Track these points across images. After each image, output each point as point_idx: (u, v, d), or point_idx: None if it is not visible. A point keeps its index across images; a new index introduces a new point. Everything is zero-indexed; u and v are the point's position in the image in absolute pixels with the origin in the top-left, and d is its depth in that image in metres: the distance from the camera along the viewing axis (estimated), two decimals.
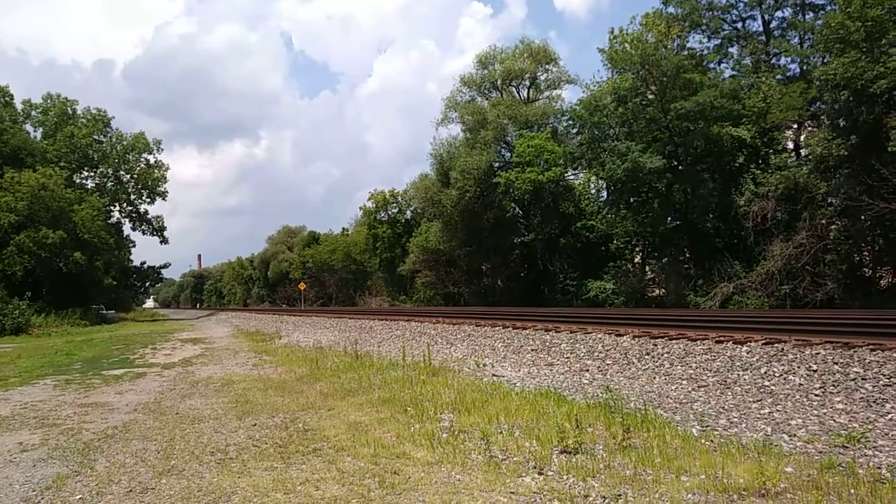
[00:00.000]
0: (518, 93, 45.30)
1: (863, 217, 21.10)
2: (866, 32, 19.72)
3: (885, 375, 7.55)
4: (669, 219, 29.99)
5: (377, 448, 6.06)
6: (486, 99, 45.12)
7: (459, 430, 6.59)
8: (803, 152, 26.89)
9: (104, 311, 50.37)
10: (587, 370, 10.90)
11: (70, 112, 52.18)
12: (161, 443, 6.81)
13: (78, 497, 5.12)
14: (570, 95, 53.07)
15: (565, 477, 5.02)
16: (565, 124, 40.37)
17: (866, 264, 23.79)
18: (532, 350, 13.31)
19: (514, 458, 5.57)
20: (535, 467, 5.29)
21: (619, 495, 4.54)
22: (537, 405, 7.61)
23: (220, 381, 11.71)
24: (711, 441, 5.97)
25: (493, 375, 10.73)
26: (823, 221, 22.57)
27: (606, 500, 4.47)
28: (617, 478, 4.93)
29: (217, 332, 30.26)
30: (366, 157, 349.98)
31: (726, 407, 7.57)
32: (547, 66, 44.38)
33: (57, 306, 38.79)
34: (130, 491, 5.20)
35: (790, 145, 28.18)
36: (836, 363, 8.25)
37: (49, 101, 52.09)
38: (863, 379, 7.64)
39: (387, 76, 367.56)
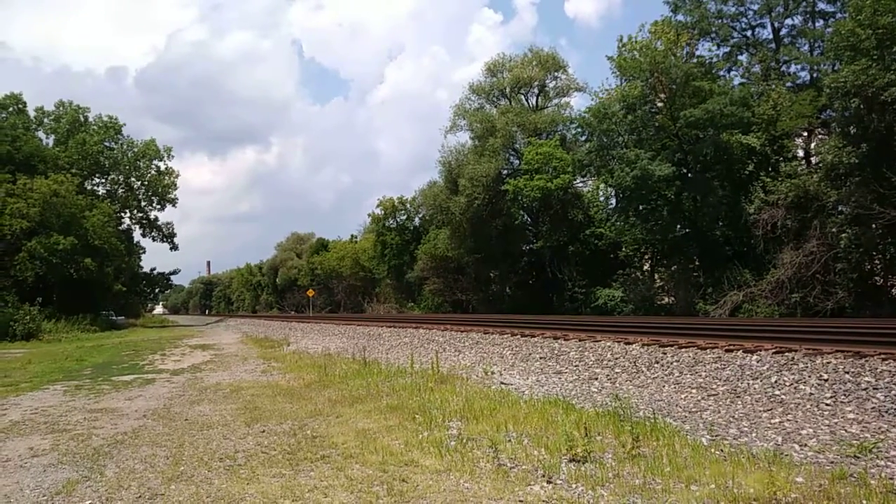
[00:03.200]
0: (527, 100, 45.43)
1: (874, 225, 20.95)
2: (877, 40, 19.63)
3: None
4: (679, 227, 29.89)
5: (385, 455, 6.06)
6: (495, 106, 45.27)
7: (468, 438, 6.58)
8: (813, 160, 26.80)
9: (114, 317, 50.62)
10: (596, 378, 10.86)
11: (82, 119, 52.58)
12: (170, 449, 6.84)
13: (88, 502, 5.15)
14: (578, 103, 53.30)
15: (574, 485, 5.00)
16: (574, 132, 40.35)
17: (878, 273, 23.59)
18: (540, 358, 13.28)
19: (523, 467, 5.55)
20: (543, 476, 5.28)
21: None
22: (546, 413, 7.58)
23: (229, 387, 11.75)
24: (721, 450, 5.93)
25: (502, 383, 10.71)
26: (834, 230, 22.39)
27: None
28: (626, 487, 4.90)
29: (226, 339, 30.36)
30: (376, 163, 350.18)
31: (736, 416, 7.53)
32: (556, 74, 44.55)
33: (67, 312, 39.00)
34: (140, 497, 5.22)
35: (800, 153, 28.10)
36: (848, 372, 8.19)
37: (61, 108, 52.52)
38: (874, 388, 7.57)
39: (398, 83, 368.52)
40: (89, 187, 51.59)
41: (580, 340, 13.82)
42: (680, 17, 31.35)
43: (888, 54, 19.64)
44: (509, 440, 6.44)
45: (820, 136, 27.20)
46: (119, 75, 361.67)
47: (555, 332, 15.56)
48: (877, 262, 23.31)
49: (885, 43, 19.65)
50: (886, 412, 6.96)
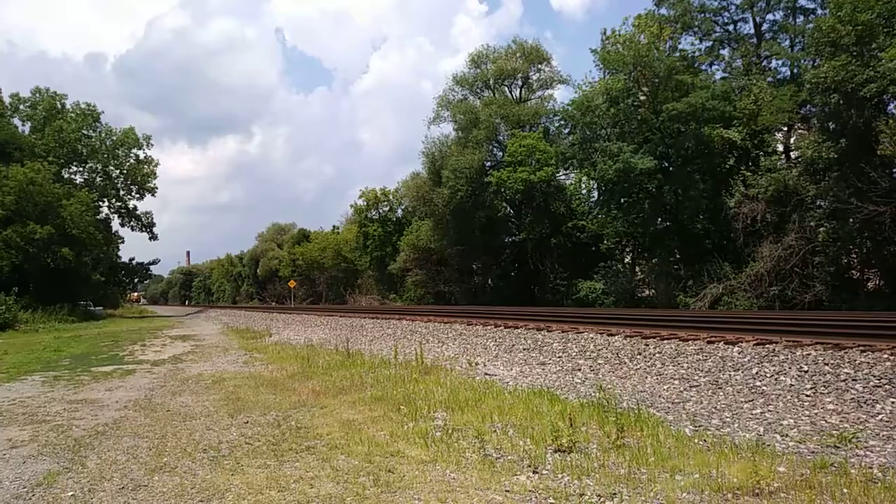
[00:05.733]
0: (510, 92, 45.37)
1: (851, 220, 21.25)
2: (857, 36, 19.85)
3: (875, 376, 7.61)
4: (660, 219, 30.09)
5: (371, 446, 6.05)
6: (479, 98, 45.14)
7: (453, 429, 6.58)
8: (793, 155, 27.08)
9: (92, 308, 50.00)
10: (579, 369, 10.92)
11: (59, 106, 51.66)
12: (152, 440, 6.77)
13: (70, 494, 5.08)
14: (562, 95, 53.37)
15: (560, 475, 5.03)
16: (557, 124, 40.51)
17: (854, 266, 23.94)
18: (524, 349, 13.33)
19: (509, 457, 5.57)
20: (529, 466, 5.30)
21: (615, 494, 4.55)
22: (530, 404, 7.62)
23: (211, 378, 11.66)
24: (704, 441, 6.00)
25: (486, 374, 10.74)
26: (812, 224, 22.70)
27: (602, 499, 4.48)
28: (612, 477, 4.94)
29: (206, 330, 30.12)
30: (359, 154, 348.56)
31: (718, 407, 7.61)
32: (539, 66, 44.49)
33: (44, 302, 38.44)
34: (123, 488, 5.16)
35: (780, 148, 28.38)
36: (827, 364, 8.31)
37: (38, 94, 51.54)
38: (853, 380, 7.69)
39: (382, 73, 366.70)
40: (66, 176, 50.82)
41: (563, 332, 13.89)
42: (663, 11, 31.46)
43: (867, 51, 19.87)
44: (495, 431, 6.46)
45: (800, 131, 27.45)
46: (97, 62, 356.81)
47: (538, 324, 15.63)
48: (854, 255, 23.66)
49: (865, 39, 19.88)
50: (865, 403, 7.07)
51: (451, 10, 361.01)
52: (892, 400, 7.01)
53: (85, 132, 52.31)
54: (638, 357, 10.76)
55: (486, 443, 5.95)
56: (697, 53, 31.60)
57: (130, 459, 6.00)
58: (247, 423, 7.45)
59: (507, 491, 4.72)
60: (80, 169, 53.64)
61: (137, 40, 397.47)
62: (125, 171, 54.91)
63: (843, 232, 21.72)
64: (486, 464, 5.39)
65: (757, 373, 8.64)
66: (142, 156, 55.71)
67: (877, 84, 19.03)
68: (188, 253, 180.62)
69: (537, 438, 6.02)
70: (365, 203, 58.60)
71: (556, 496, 4.56)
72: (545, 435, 6.01)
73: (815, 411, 7.04)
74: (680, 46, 31.68)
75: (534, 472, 5.13)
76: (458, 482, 4.96)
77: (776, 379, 8.30)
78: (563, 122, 37.58)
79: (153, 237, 59.06)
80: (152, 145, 56.74)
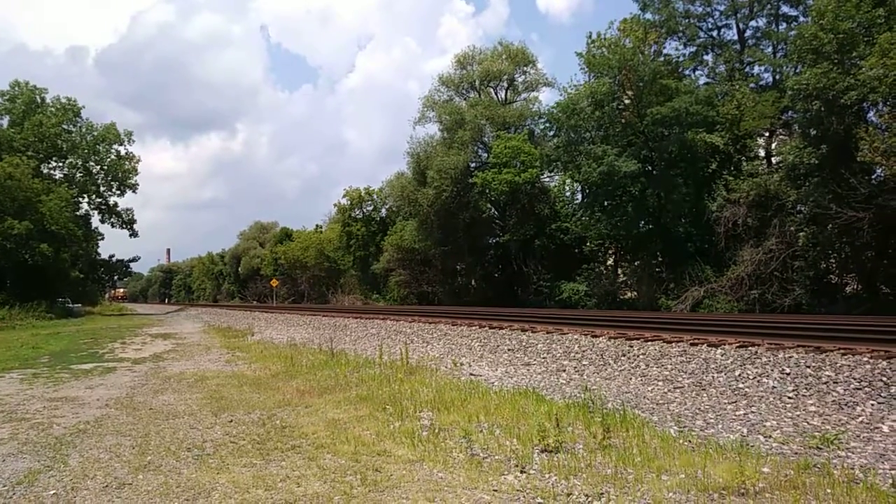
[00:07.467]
0: (496, 94, 45.43)
1: (830, 225, 21.48)
2: (838, 44, 20.11)
3: (856, 379, 7.73)
4: (643, 223, 30.28)
5: (357, 446, 6.03)
6: (464, 99, 45.15)
7: (440, 429, 6.58)
8: (774, 160, 27.39)
9: (70, 305, 49.32)
10: (564, 370, 10.97)
11: (39, 100, 50.99)
12: (135, 438, 6.70)
13: (52, 492, 5.00)
14: (547, 98, 53.51)
15: (547, 475, 5.04)
16: (542, 126, 40.54)
17: (833, 271, 24.26)
18: (509, 350, 13.36)
19: (496, 457, 5.58)
20: (517, 465, 5.31)
21: (602, 494, 4.57)
22: (516, 404, 7.63)
23: (193, 376, 11.55)
24: (690, 441, 6.05)
25: (471, 374, 10.75)
26: (792, 228, 22.95)
27: (589, 499, 4.50)
28: (598, 476, 4.96)
29: (187, 328, 29.85)
30: (344, 153, 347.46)
31: (702, 408, 7.68)
32: (525, 69, 44.57)
33: (22, 299, 37.91)
34: (106, 486, 5.09)
35: (762, 153, 28.70)
36: (809, 367, 8.41)
37: (17, 88, 50.81)
38: (834, 382, 7.80)
39: (368, 72, 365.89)
40: (46, 171, 50.17)
41: (547, 333, 13.94)
42: (648, 16, 31.68)
43: (848, 59, 20.14)
44: (481, 430, 6.46)
45: (781, 137, 27.80)
46: (79, 55, 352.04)
47: (522, 325, 15.68)
48: (832, 260, 23.96)
49: (846, 48, 20.15)
50: (846, 405, 7.18)
51: (438, 11, 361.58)
52: (872, 402, 7.13)
53: (65, 127, 51.68)
54: (622, 358, 10.83)
55: (472, 442, 5.95)
56: (682, 58, 31.86)
57: (113, 458, 5.93)
58: (231, 421, 7.39)
59: (494, 490, 4.73)
60: (60, 164, 52.98)
61: (121, 35, 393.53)
62: (106, 167, 54.29)
63: (823, 237, 21.97)
64: (473, 463, 5.39)
65: (740, 375, 8.73)
66: (123, 152, 55.22)
67: (857, 92, 19.29)
68: (168, 250, 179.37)
69: (524, 438, 6.04)
70: (349, 202, 58.38)
71: (544, 496, 4.57)
72: (532, 435, 6.03)
73: (798, 413, 7.13)
74: (664, 51, 31.91)
75: (521, 472, 5.15)
76: (445, 481, 4.96)
77: (759, 381, 8.39)
78: (548, 125, 37.61)
79: (133, 234, 58.50)
80: (133, 141, 56.30)
